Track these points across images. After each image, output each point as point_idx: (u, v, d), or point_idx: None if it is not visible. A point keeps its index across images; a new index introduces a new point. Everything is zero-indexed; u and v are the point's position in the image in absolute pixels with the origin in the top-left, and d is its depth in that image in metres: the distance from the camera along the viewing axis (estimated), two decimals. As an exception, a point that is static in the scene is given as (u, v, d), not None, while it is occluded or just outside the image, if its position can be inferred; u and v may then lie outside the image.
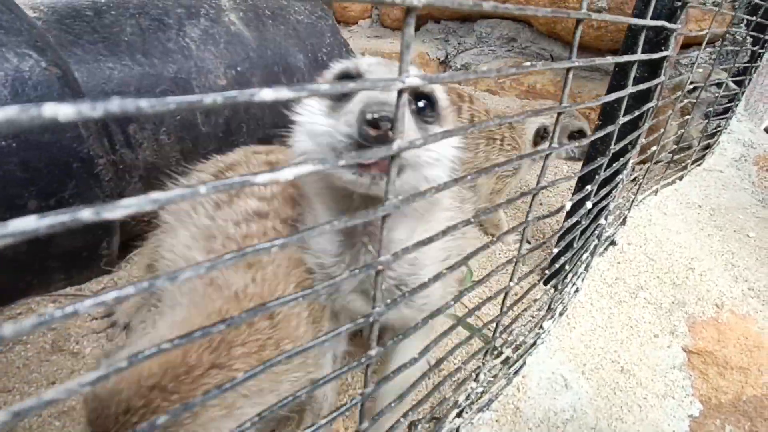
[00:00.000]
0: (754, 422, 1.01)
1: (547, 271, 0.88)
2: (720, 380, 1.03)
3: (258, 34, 1.51)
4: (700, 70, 1.66)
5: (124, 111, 0.20)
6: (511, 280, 0.65)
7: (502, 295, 0.67)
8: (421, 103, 0.67)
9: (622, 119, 0.78)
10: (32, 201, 0.93)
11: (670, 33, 0.94)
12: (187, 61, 1.28)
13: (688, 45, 2.62)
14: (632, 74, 0.76)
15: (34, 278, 1.04)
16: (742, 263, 1.31)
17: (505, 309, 0.67)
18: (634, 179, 1.48)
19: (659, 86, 0.99)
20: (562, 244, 0.80)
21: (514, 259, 0.63)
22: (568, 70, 0.55)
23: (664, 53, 0.92)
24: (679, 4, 0.93)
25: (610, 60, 0.60)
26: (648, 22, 0.74)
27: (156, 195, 0.23)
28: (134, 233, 1.32)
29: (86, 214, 0.21)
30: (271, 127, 1.52)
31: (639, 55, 0.73)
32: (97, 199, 1.05)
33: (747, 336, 1.07)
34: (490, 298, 0.62)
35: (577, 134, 1.54)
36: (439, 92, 0.71)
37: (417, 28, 3.83)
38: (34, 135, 0.92)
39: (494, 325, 0.70)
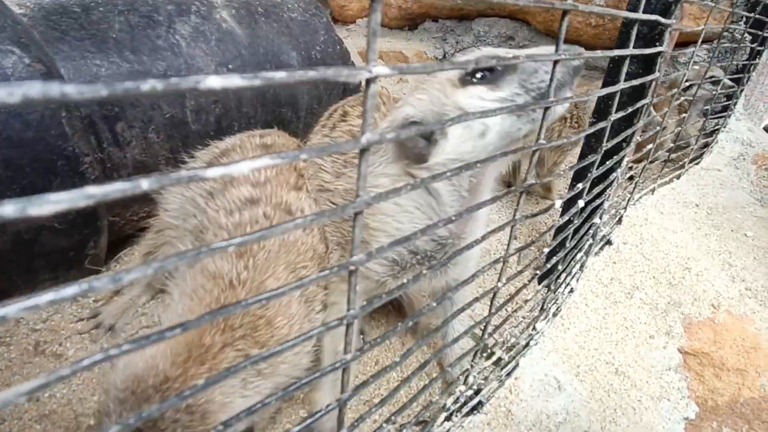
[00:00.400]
0: (752, 425, 0.99)
1: (538, 271, 0.86)
2: (716, 382, 1.01)
3: (250, 32, 1.49)
4: (696, 67, 1.64)
5: (46, 97, 0.19)
6: (499, 280, 0.63)
7: (491, 296, 0.65)
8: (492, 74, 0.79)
9: (615, 116, 0.77)
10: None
11: (665, 28, 0.92)
12: (176, 59, 1.26)
13: (686, 42, 2.60)
14: (624, 69, 0.74)
15: (18, 278, 1.02)
16: (739, 263, 1.29)
17: (493, 310, 0.66)
18: (631, 177, 1.46)
19: (654, 83, 0.97)
20: (554, 243, 0.79)
21: (502, 259, 0.61)
22: (555, 63, 0.53)
23: (659, 49, 0.91)
24: (674, -2, 0.92)
25: (599, 54, 0.58)
26: (641, 15, 0.73)
27: (92, 189, 0.21)
28: (123, 233, 1.30)
29: (8, 210, 0.19)
30: (263, 125, 1.50)
31: (631, 50, 0.71)
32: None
33: (744, 337, 1.05)
34: (477, 298, 0.60)
35: None
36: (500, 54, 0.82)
37: (414, 27, 3.81)
38: (17, 132, 0.91)
39: (484, 325, 0.68)
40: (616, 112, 0.79)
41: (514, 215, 0.59)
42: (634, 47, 0.75)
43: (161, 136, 1.22)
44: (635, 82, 0.82)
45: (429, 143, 0.75)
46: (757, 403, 1.00)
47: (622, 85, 0.74)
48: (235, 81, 0.23)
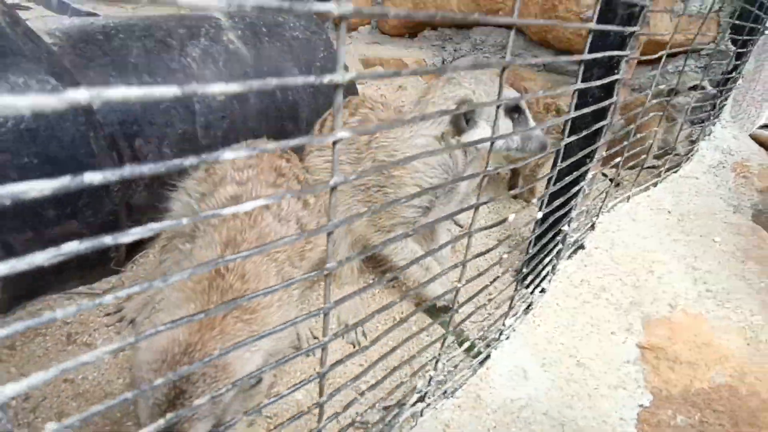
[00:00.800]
0: (704, 413, 1.10)
1: (510, 269, 0.98)
2: (670, 374, 1.12)
3: (255, 52, 1.63)
4: (666, 81, 1.74)
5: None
6: (465, 256, 0.74)
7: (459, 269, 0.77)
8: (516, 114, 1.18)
9: (567, 140, 0.88)
10: (51, 210, 1.05)
11: (621, 59, 1.04)
12: (188, 79, 1.39)
13: (674, 54, 2.69)
14: (574, 101, 0.86)
15: (53, 278, 1.17)
16: (704, 266, 1.40)
17: (463, 281, 0.75)
18: (612, 180, 1.58)
19: (613, 106, 1.09)
20: (522, 247, 0.91)
21: (461, 264, 0.73)
22: (503, 69, 0.64)
23: (615, 77, 1.02)
24: (628, 33, 1.03)
25: (540, 94, 0.70)
26: (587, 56, 0.84)
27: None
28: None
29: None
30: (267, 138, 1.63)
31: (578, 85, 0.83)
32: (106, 207, 1.17)
33: (697, 334, 1.16)
34: (451, 267, 0.71)
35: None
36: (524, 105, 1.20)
37: (414, 35, 3.93)
38: (54, 151, 1.05)
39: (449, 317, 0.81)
40: (569, 135, 0.91)
41: (470, 228, 0.71)
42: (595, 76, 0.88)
43: (174, 151, 1.35)
44: (590, 109, 0.94)
45: (468, 125, 1.14)
46: (707, 394, 1.11)
47: (572, 114, 0.86)
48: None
